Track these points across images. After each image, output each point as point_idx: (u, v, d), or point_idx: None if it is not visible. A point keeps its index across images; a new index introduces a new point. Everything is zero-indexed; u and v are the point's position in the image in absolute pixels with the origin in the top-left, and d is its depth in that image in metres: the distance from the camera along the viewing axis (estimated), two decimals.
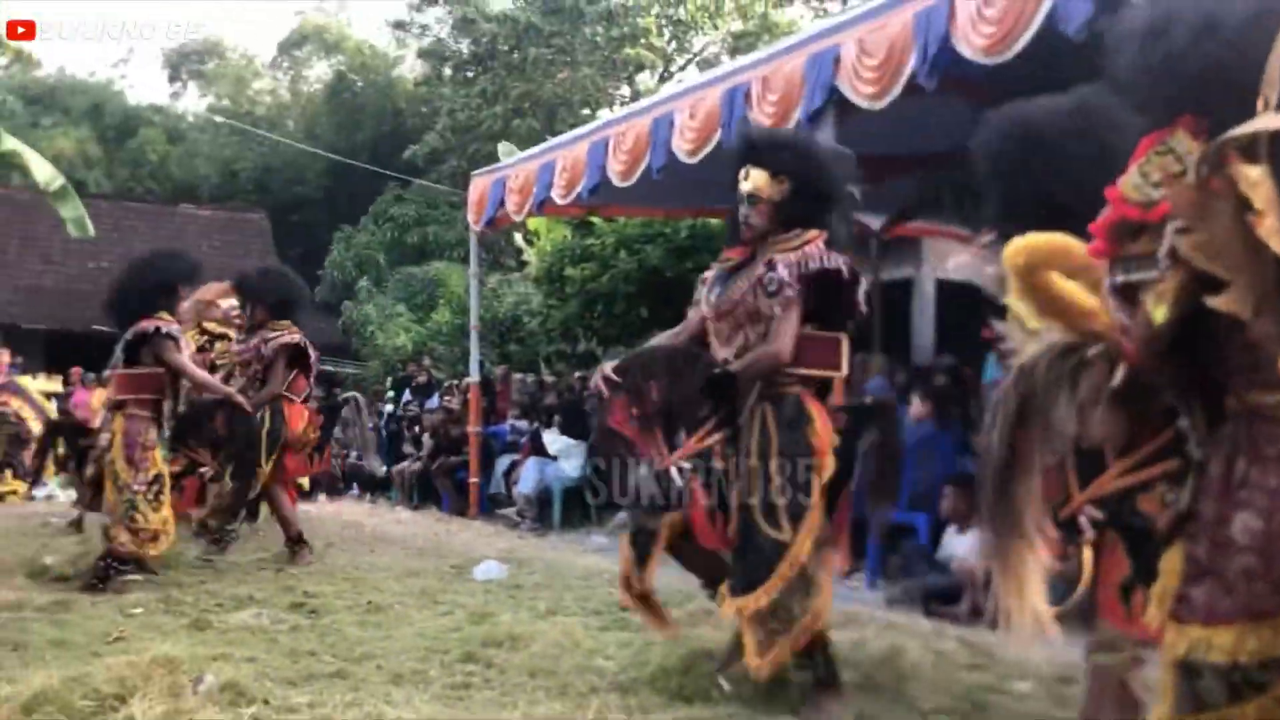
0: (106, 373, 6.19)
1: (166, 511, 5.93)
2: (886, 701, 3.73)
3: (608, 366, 3.66)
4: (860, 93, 6.69)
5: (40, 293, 19.97)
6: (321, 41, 30.72)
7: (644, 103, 10.26)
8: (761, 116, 7.45)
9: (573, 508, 9.97)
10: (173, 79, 33.68)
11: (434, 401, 13.23)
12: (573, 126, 14.29)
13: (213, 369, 7.19)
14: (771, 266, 3.51)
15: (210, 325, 7.56)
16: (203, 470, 6.60)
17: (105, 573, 5.72)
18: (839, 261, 3.54)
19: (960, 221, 9.01)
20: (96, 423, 8.05)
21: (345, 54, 29.26)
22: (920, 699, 3.76)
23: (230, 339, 7.39)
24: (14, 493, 11.49)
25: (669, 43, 24.40)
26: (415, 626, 4.90)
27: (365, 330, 18.58)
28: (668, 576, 4.00)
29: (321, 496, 11.34)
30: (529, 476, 10.28)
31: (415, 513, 11.19)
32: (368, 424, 8.11)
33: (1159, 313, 1.97)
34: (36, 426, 12.00)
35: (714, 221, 12.13)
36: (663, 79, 23.61)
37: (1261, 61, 1.87)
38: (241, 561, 6.73)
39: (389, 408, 14.81)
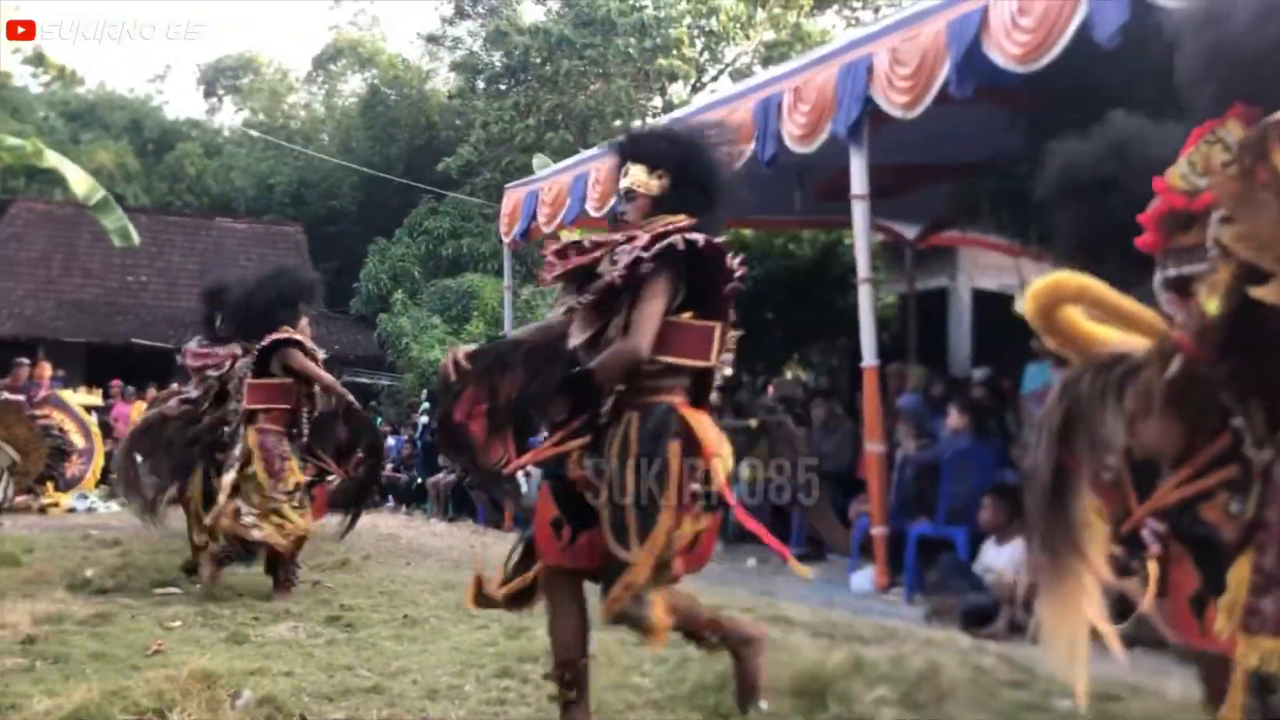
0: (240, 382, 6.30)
1: (307, 520, 6.13)
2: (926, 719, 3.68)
3: (461, 351, 3.31)
4: (893, 102, 6.67)
5: (81, 306, 20.25)
6: (355, 56, 30.99)
7: (675, 115, 10.28)
8: (794, 127, 7.44)
9: None
10: (208, 94, 34.15)
11: None
12: (605, 139, 14.31)
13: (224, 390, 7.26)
14: (625, 239, 3.25)
15: None
16: (331, 478, 6.61)
17: (227, 555, 5.99)
18: (697, 236, 3.22)
19: (996, 231, 8.96)
20: None
21: (379, 68, 29.47)
22: (960, 717, 3.72)
23: None
24: (55, 505, 11.64)
25: (701, 53, 24.41)
26: (451, 640, 4.90)
27: (400, 342, 18.69)
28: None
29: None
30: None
31: (451, 525, 11.22)
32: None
33: (1211, 305, 1.92)
34: (79, 439, 12.17)
35: (746, 232, 12.13)
36: (695, 89, 23.63)
37: None
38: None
39: (424, 420, 14.89)
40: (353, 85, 31.50)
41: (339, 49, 31.37)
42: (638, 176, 3.37)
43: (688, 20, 23.45)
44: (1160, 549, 2.50)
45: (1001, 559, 5.80)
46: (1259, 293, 1.80)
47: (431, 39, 28.03)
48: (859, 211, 7.25)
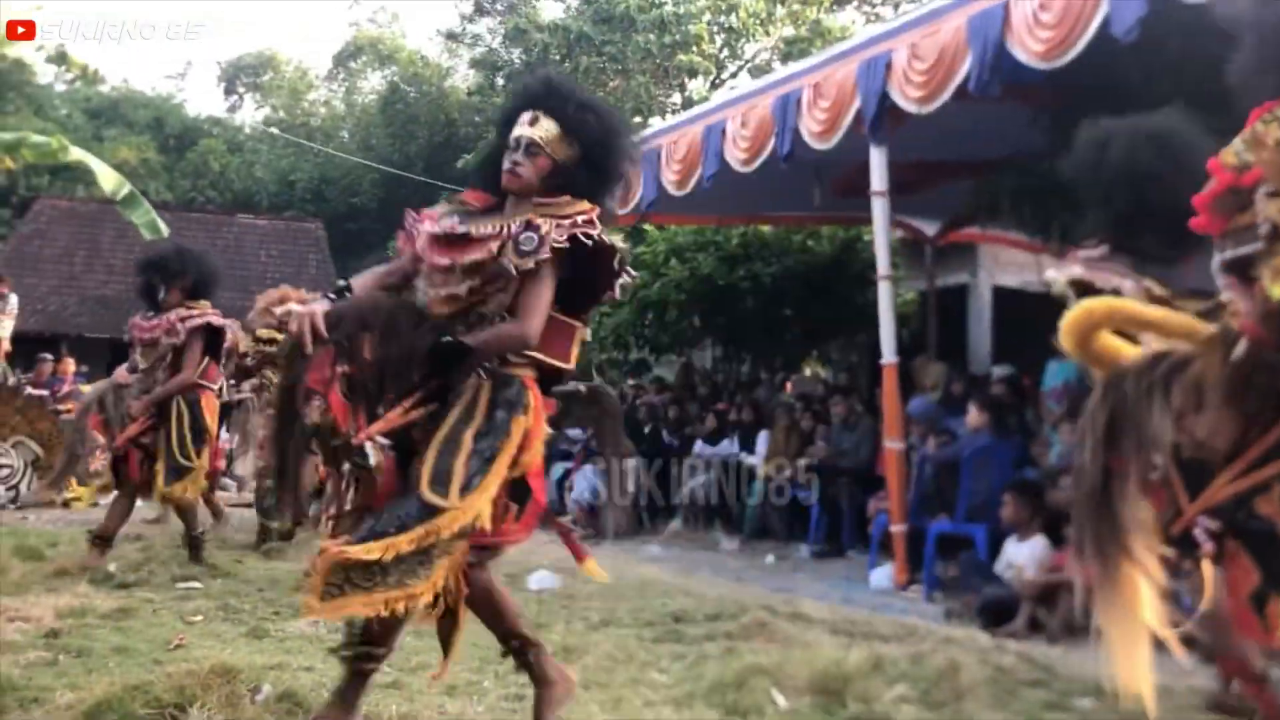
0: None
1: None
2: (946, 718, 3.67)
3: (318, 310, 3.01)
4: (909, 97, 6.64)
5: (103, 303, 20.38)
6: (375, 53, 31.12)
7: (694, 111, 10.26)
8: (813, 123, 7.42)
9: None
10: (229, 92, 34.34)
11: None
12: None
13: (244, 370, 7.33)
14: (532, 226, 3.04)
15: (263, 332, 7.65)
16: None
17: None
18: (614, 242, 3.09)
19: (1017, 227, 8.92)
20: None
21: (399, 65, 29.58)
22: (979, 715, 3.70)
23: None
24: (78, 499, 11.71)
25: (721, 50, 24.39)
26: (470, 636, 4.90)
27: None
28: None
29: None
30: (583, 484, 10.29)
31: None
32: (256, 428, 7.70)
33: (1276, 289, 1.89)
34: (100, 434, 12.22)
35: (765, 229, 12.11)
36: (714, 86, 23.60)
37: None
38: (297, 569, 6.78)
39: None
40: (372, 83, 31.66)
41: (359, 46, 31.50)
42: (550, 132, 3.14)
43: (707, 16, 23.44)
44: (1214, 547, 2.40)
45: (1022, 555, 5.78)
46: None
47: (451, 36, 28.13)
48: (879, 208, 7.23)
